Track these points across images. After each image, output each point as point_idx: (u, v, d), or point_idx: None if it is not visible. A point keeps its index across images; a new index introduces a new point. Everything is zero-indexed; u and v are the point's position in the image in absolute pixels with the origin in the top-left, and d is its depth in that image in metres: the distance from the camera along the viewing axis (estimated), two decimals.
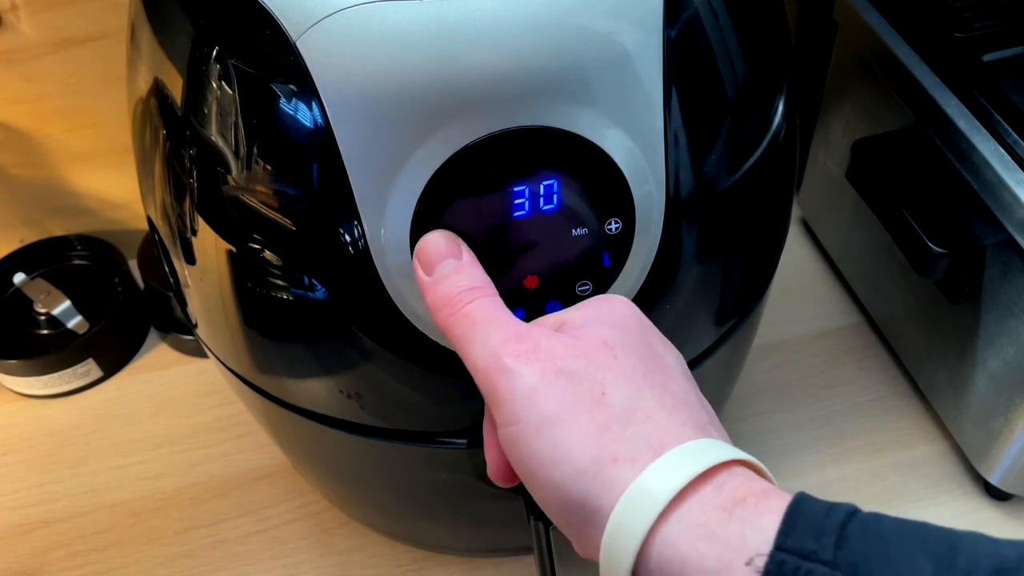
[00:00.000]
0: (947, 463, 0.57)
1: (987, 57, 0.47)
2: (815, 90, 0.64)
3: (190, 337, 0.65)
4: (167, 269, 0.40)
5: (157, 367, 0.65)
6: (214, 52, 0.31)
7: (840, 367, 0.62)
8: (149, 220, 0.40)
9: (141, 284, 0.67)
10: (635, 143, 0.31)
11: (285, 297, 0.34)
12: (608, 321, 0.29)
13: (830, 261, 0.68)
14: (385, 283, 0.32)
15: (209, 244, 0.35)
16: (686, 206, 0.34)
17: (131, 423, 0.62)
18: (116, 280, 0.65)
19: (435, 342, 0.34)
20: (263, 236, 0.33)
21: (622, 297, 0.31)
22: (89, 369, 0.63)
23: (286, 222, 0.32)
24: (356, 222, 0.31)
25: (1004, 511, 0.55)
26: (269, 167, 0.32)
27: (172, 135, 0.34)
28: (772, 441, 0.58)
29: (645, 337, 0.30)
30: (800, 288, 0.67)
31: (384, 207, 0.31)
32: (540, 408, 0.27)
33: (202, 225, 0.34)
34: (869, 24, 0.53)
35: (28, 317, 0.64)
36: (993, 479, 0.53)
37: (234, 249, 0.34)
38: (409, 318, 0.33)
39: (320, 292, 0.34)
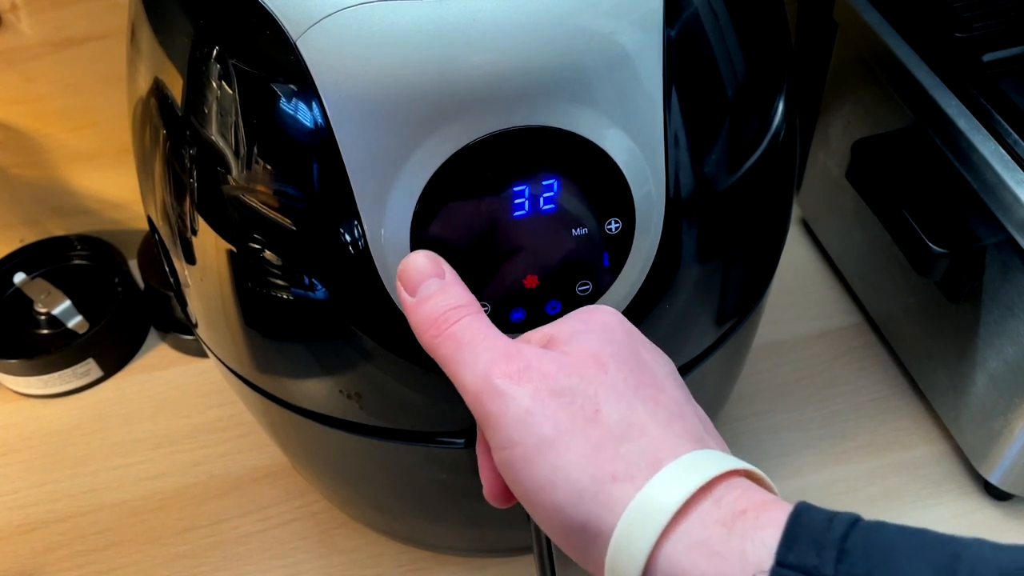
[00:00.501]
0: (947, 463, 0.57)
1: (987, 57, 0.47)
2: (815, 90, 0.64)
3: (190, 337, 0.65)
4: (167, 269, 0.40)
5: (157, 367, 0.65)
6: (214, 52, 0.31)
7: (840, 367, 0.62)
8: (149, 220, 0.40)
9: (141, 284, 0.67)
10: (635, 143, 0.31)
11: (285, 297, 0.34)
12: (596, 333, 0.29)
13: (830, 261, 0.68)
14: (385, 283, 0.32)
15: (209, 244, 0.35)
16: (686, 206, 0.34)
17: (131, 423, 0.62)
18: (116, 280, 0.65)
19: None
20: (263, 236, 0.33)
21: (608, 307, 0.31)
22: (89, 369, 0.63)
23: (286, 222, 0.32)
24: (356, 222, 0.31)
25: (1004, 511, 0.55)
26: (269, 167, 0.32)
27: (172, 135, 0.34)
28: (772, 441, 0.58)
29: (633, 347, 0.29)
30: (800, 288, 0.67)
31: (384, 207, 0.31)
32: (535, 431, 0.26)
33: (202, 225, 0.34)
34: (869, 24, 0.53)
35: (28, 317, 0.64)
36: (993, 479, 0.53)
37: (234, 249, 0.34)
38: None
39: (320, 292, 0.34)
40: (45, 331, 0.64)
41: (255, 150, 0.31)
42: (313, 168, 0.31)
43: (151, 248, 0.65)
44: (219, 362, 0.42)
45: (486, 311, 0.33)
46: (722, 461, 0.26)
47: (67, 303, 0.64)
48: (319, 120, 0.30)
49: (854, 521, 0.24)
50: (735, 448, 0.47)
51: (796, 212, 0.70)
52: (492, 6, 0.28)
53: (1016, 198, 0.44)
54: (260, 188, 0.32)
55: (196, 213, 0.34)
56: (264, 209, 0.32)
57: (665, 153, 0.32)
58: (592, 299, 0.34)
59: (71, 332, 0.64)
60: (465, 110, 0.29)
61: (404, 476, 0.44)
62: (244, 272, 0.35)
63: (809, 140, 0.66)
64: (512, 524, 0.38)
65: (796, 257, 0.69)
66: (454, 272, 0.30)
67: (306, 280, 0.33)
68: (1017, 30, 0.48)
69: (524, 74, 0.29)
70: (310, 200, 0.31)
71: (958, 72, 0.48)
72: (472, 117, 0.29)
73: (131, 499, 0.58)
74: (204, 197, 0.34)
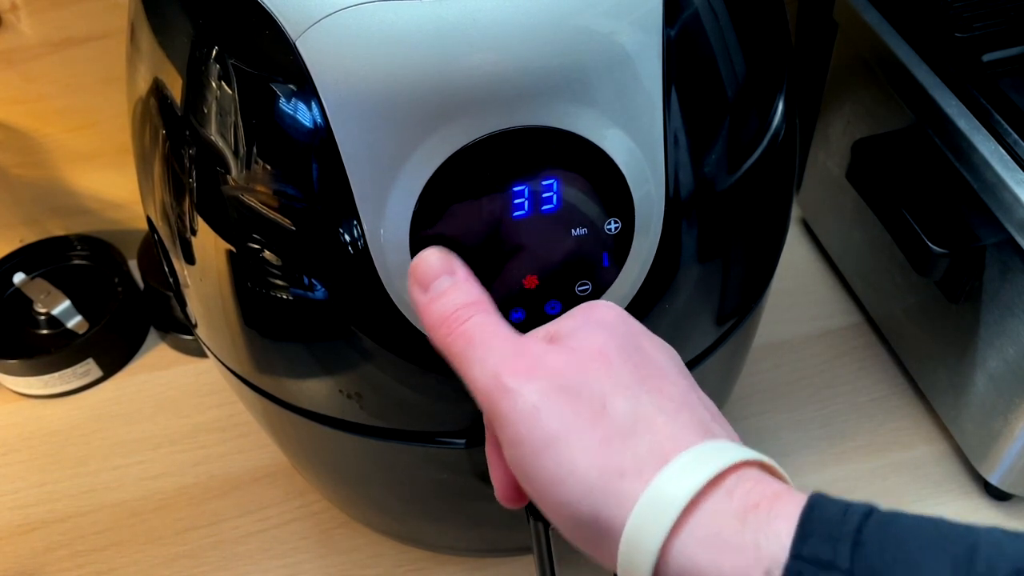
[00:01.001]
0: (947, 463, 0.57)
1: (987, 57, 0.47)
2: (815, 90, 0.64)
3: (190, 337, 0.65)
4: (167, 269, 0.40)
5: (157, 367, 0.65)
6: (214, 52, 0.31)
7: (840, 367, 0.62)
8: (149, 220, 0.40)
9: (141, 284, 0.67)
10: (635, 143, 0.31)
11: (285, 297, 0.34)
12: (597, 327, 0.29)
13: (830, 261, 0.68)
14: (385, 283, 0.32)
15: (209, 244, 0.35)
16: (686, 206, 0.34)
17: (131, 423, 0.62)
18: (116, 280, 0.65)
19: None
20: (263, 236, 0.33)
21: (607, 302, 0.31)
22: (89, 369, 0.63)
23: (286, 222, 0.32)
24: (356, 222, 0.31)
25: (1004, 511, 0.55)
26: (269, 167, 0.32)
27: (172, 135, 0.34)
28: (772, 441, 0.58)
29: (636, 340, 0.29)
30: (800, 288, 0.67)
31: (384, 207, 0.31)
32: (543, 427, 0.27)
33: (202, 225, 0.34)
34: (869, 24, 0.53)
35: (28, 317, 0.64)
36: (993, 479, 0.53)
37: (234, 249, 0.34)
38: (409, 318, 0.33)
39: (320, 292, 0.34)
40: (45, 331, 0.64)
41: (254, 150, 0.31)
42: (312, 168, 0.31)
43: (151, 248, 0.65)
44: (219, 362, 0.42)
45: None
46: (731, 451, 0.26)
47: (67, 303, 0.64)
48: (318, 120, 0.30)
49: (869, 512, 0.24)
50: None
51: (796, 212, 0.70)
52: (492, 6, 0.28)
53: (1016, 198, 0.44)
54: (260, 188, 0.32)
55: (196, 213, 0.34)
56: (264, 209, 0.32)
57: (665, 153, 0.32)
58: (592, 299, 0.33)
59: (71, 332, 0.64)
60: (465, 110, 0.29)
61: (404, 476, 0.44)
62: (244, 272, 0.35)
63: (809, 140, 0.66)
64: (512, 524, 0.38)
65: (796, 257, 0.69)
66: (466, 268, 0.30)
67: (306, 280, 0.33)
68: (1017, 30, 0.48)
69: (524, 74, 0.29)
70: (310, 200, 0.31)
71: (958, 72, 0.48)
72: (472, 117, 0.29)
73: (131, 499, 0.58)
74: (204, 197, 0.34)
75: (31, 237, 0.68)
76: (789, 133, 0.38)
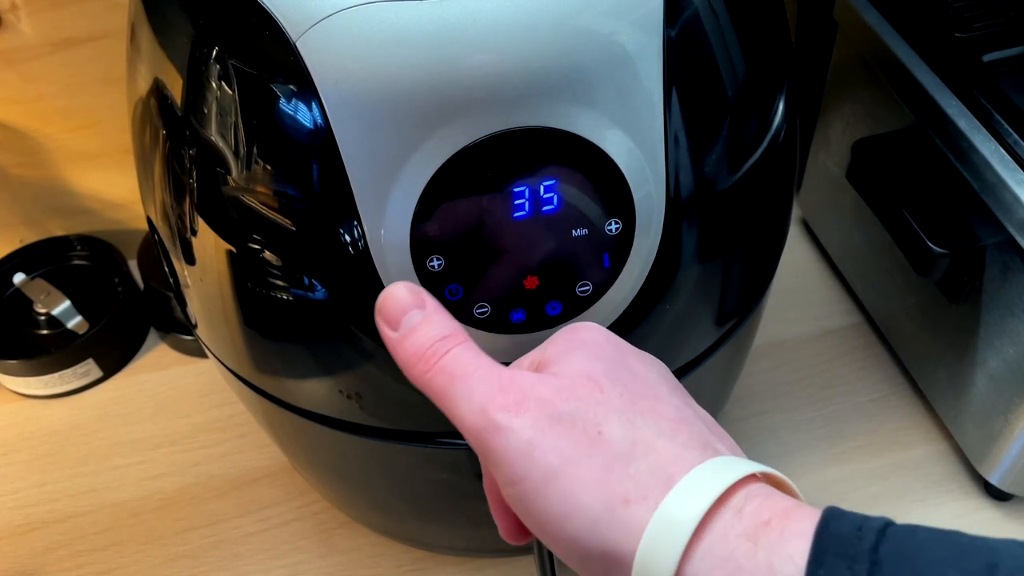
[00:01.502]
0: (947, 463, 0.57)
1: (987, 57, 0.47)
2: (815, 90, 0.64)
3: (190, 337, 0.65)
4: (167, 269, 0.40)
5: (157, 367, 0.65)
6: (214, 52, 0.31)
7: (840, 367, 0.62)
8: (149, 220, 0.40)
9: (141, 284, 0.67)
10: (635, 143, 0.31)
11: (285, 297, 0.34)
12: (583, 351, 0.28)
13: (830, 261, 0.68)
14: (385, 283, 0.32)
15: (209, 244, 0.35)
16: (686, 206, 0.34)
17: (131, 423, 0.62)
18: (116, 280, 0.65)
19: None
20: (263, 236, 0.33)
21: (590, 323, 0.30)
22: (89, 369, 0.63)
23: (286, 222, 0.32)
24: (356, 222, 0.31)
25: (1004, 511, 0.55)
26: (269, 167, 0.32)
27: (172, 135, 0.34)
28: (772, 441, 0.58)
29: (623, 360, 0.29)
30: (800, 288, 0.67)
31: (384, 207, 0.31)
32: (540, 463, 0.26)
33: (202, 225, 0.34)
34: (869, 24, 0.53)
35: (28, 317, 0.64)
36: (993, 479, 0.53)
37: (234, 249, 0.34)
38: None
39: (320, 292, 0.34)
40: (45, 331, 0.64)
41: (255, 150, 0.31)
42: (313, 168, 0.31)
43: (151, 248, 0.65)
44: (219, 362, 0.42)
45: (486, 312, 0.33)
46: (736, 467, 0.25)
47: (67, 303, 0.64)
48: (319, 120, 0.30)
49: (884, 528, 0.23)
50: None
51: (796, 212, 0.70)
52: (492, 6, 0.28)
53: (1016, 198, 0.44)
54: (260, 188, 0.32)
55: (196, 213, 0.34)
56: (264, 209, 0.32)
57: (665, 153, 0.32)
58: (592, 299, 0.34)
59: (71, 332, 0.64)
60: (465, 110, 0.29)
61: (404, 476, 0.44)
62: (244, 272, 0.35)
63: (809, 140, 0.66)
64: None
65: (796, 257, 0.69)
66: (436, 301, 0.29)
67: (306, 280, 0.33)
68: (1017, 30, 0.48)
69: (524, 74, 0.29)
70: (310, 200, 0.31)
71: (958, 72, 0.48)
72: (472, 118, 0.29)
73: (131, 499, 0.58)
74: (204, 197, 0.34)
75: (31, 237, 0.68)
76: (789, 133, 0.38)
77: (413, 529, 0.53)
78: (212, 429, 0.61)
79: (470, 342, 0.28)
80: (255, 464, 0.59)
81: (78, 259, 0.68)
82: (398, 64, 0.28)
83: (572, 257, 0.32)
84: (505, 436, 0.26)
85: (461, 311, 0.32)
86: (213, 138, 0.32)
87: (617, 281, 0.34)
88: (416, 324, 0.28)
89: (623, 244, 0.33)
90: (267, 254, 0.33)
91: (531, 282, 0.32)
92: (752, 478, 0.26)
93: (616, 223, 0.32)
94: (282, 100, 0.30)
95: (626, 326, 0.35)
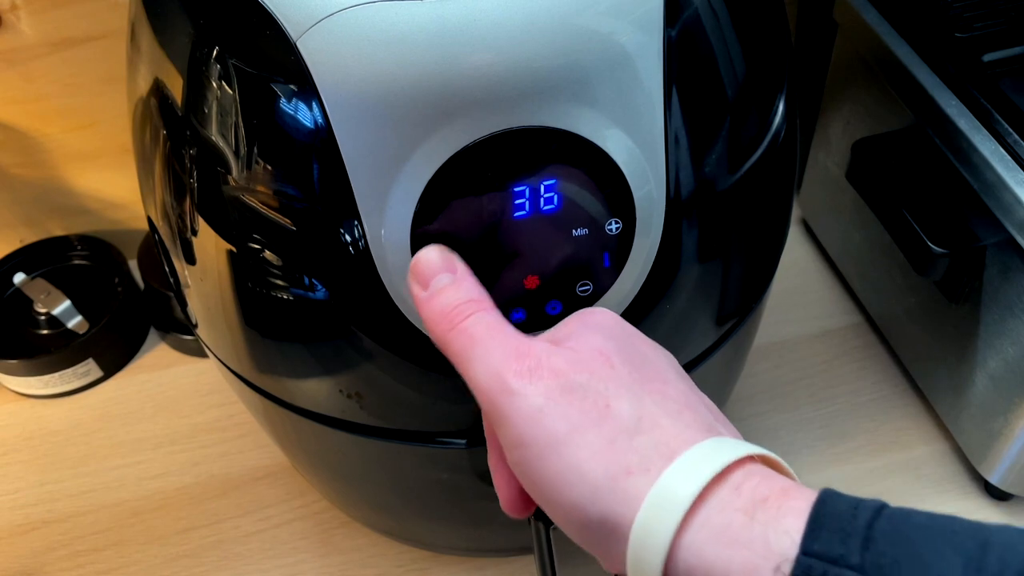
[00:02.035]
0: (947, 463, 0.57)
1: (987, 57, 0.47)
2: (815, 90, 0.64)
3: (190, 337, 0.65)
4: (167, 269, 0.40)
5: (157, 367, 0.65)
6: (214, 52, 0.31)
7: (840, 367, 0.62)
8: (149, 220, 0.40)
9: (141, 284, 0.67)
10: (635, 143, 0.31)
11: (285, 297, 0.34)
12: (596, 331, 0.29)
13: (830, 261, 0.68)
14: (385, 283, 0.32)
15: (209, 244, 0.35)
16: (686, 206, 0.34)
17: (131, 423, 0.62)
18: (116, 280, 0.65)
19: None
20: (263, 236, 0.33)
21: (603, 308, 0.31)
22: (89, 369, 0.63)
23: (286, 222, 0.32)
24: (356, 222, 0.31)
25: (1004, 511, 0.55)
26: (269, 167, 0.32)
27: (172, 135, 0.34)
28: (772, 441, 0.58)
29: (634, 343, 0.29)
30: (800, 288, 0.67)
31: (384, 207, 0.31)
32: (548, 429, 0.26)
33: (202, 225, 0.34)
34: (869, 24, 0.53)
35: (28, 317, 0.64)
36: (993, 479, 0.53)
37: (234, 249, 0.34)
38: (409, 318, 0.33)
39: (320, 292, 0.34)
40: (45, 331, 0.64)
41: (255, 150, 0.31)
42: (313, 168, 0.31)
43: (151, 248, 0.65)
44: (219, 362, 0.42)
45: None
46: (737, 447, 0.26)
47: (67, 303, 0.64)
48: (319, 120, 0.30)
49: (880, 508, 0.24)
50: None
51: (796, 212, 0.70)
52: (492, 6, 0.28)
53: (1016, 198, 0.44)
54: (260, 188, 0.32)
55: (196, 213, 0.34)
56: (264, 209, 0.32)
57: (665, 153, 0.32)
58: (592, 299, 0.34)
59: (71, 332, 0.64)
60: (465, 110, 0.29)
61: (404, 476, 0.44)
62: (244, 272, 0.35)
63: (809, 140, 0.66)
64: (513, 524, 0.38)
65: (796, 257, 0.69)
66: (466, 266, 0.30)
67: (306, 280, 0.33)
68: (1017, 30, 0.48)
69: (524, 74, 0.29)
70: (310, 200, 0.31)
71: (958, 72, 0.48)
72: (472, 117, 0.29)
73: (131, 499, 0.58)
74: (204, 197, 0.34)
75: (31, 237, 0.68)
76: (789, 133, 0.38)
77: (413, 529, 0.53)
78: (212, 429, 0.61)
79: (494, 309, 0.29)
80: (255, 464, 0.59)
81: (78, 259, 0.68)
82: (398, 64, 0.28)
83: (572, 257, 0.32)
84: (517, 400, 0.27)
85: None
86: (213, 138, 0.32)
87: (617, 281, 0.34)
88: (445, 286, 0.29)
89: (623, 244, 0.33)
90: (267, 254, 0.33)
91: (531, 281, 0.32)
92: (751, 459, 0.26)
93: (616, 223, 0.32)
94: (282, 100, 0.30)
95: None
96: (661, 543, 0.24)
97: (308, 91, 0.29)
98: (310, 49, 0.29)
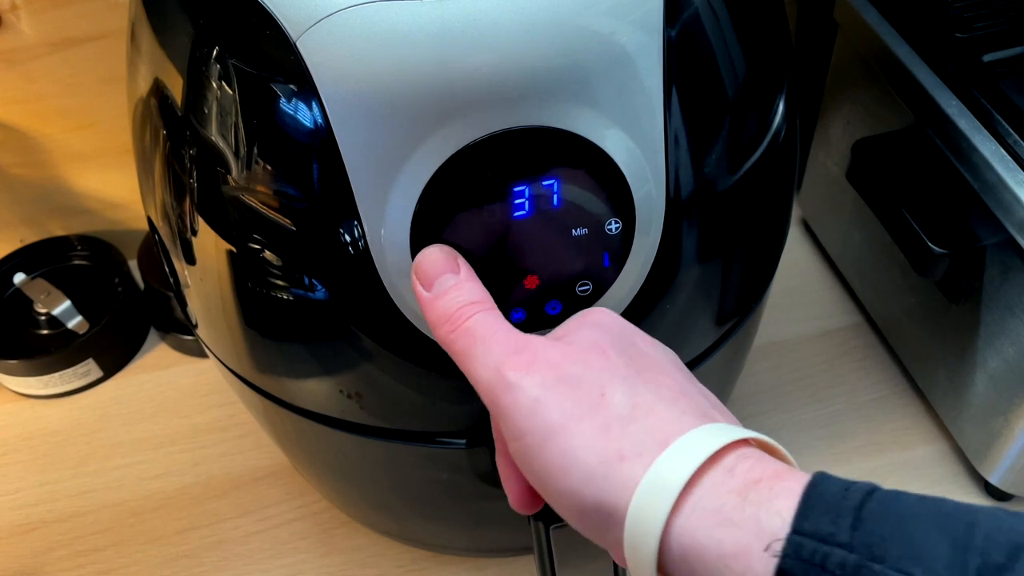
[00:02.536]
0: (947, 463, 0.57)
1: (987, 57, 0.47)
2: (815, 90, 0.64)
3: (190, 337, 0.65)
4: (167, 269, 0.40)
5: (157, 367, 0.65)
6: (214, 52, 0.31)
7: (840, 367, 0.62)
8: (149, 220, 0.40)
9: (141, 284, 0.67)
10: (635, 143, 0.31)
11: (285, 297, 0.34)
12: (593, 326, 0.30)
13: (830, 261, 0.68)
14: (385, 283, 0.32)
15: (209, 244, 0.35)
16: (686, 206, 0.34)
17: (131, 423, 0.62)
18: (116, 280, 0.65)
19: (435, 342, 0.34)
20: (263, 236, 0.33)
21: (602, 308, 0.32)
22: (89, 369, 0.63)
23: (286, 222, 0.32)
24: (356, 222, 0.31)
25: None
26: (269, 167, 0.32)
27: (172, 135, 0.34)
28: None
29: (631, 338, 0.30)
30: (800, 288, 0.67)
31: (384, 207, 0.31)
32: (544, 419, 0.27)
33: (202, 225, 0.34)
34: (869, 24, 0.53)
35: (28, 317, 0.64)
36: (993, 479, 0.53)
37: (234, 249, 0.34)
38: (409, 318, 0.33)
39: (320, 292, 0.34)
40: (45, 331, 0.64)
41: (255, 150, 0.31)
42: (313, 168, 0.31)
43: (151, 248, 0.65)
44: (219, 362, 0.42)
45: None
46: (731, 431, 0.26)
47: (67, 303, 0.64)
48: (319, 120, 0.30)
49: (871, 490, 0.24)
50: None
51: (796, 212, 0.70)
52: (492, 6, 0.28)
53: (1016, 198, 0.44)
54: (260, 188, 0.32)
55: (196, 213, 0.34)
56: (264, 209, 0.32)
57: (665, 153, 0.32)
58: (592, 299, 0.34)
59: (71, 332, 0.64)
60: (465, 110, 0.29)
61: (404, 476, 0.44)
62: (244, 272, 0.35)
63: (809, 140, 0.66)
64: (512, 524, 0.38)
65: (796, 257, 0.69)
66: (469, 267, 0.31)
67: (306, 280, 0.33)
68: (1017, 30, 0.48)
69: (524, 74, 0.29)
70: (310, 200, 0.31)
71: (958, 72, 0.48)
72: (472, 117, 0.29)
73: (131, 499, 0.58)
74: (204, 197, 0.34)
75: (31, 237, 0.68)
76: (789, 133, 0.38)
77: (413, 529, 0.53)
78: (212, 429, 0.61)
79: (495, 309, 0.30)
80: (255, 464, 0.59)
81: (78, 259, 0.68)
82: (398, 64, 0.28)
83: (572, 257, 0.32)
84: (514, 393, 0.28)
85: None
86: (213, 138, 0.32)
87: (617, 281, 0.34)
88: (449, 287, 0.30)
89: (623, 244, 0.33)
90: (267, 254, 0.33)
91: (531, 281, 0.32)
92: (746, 443, 0.27)
93: (616, 223, 0.32)
94: (282, 100, 0.30)
95: None
96: (655, 527, 0.25)
97: (308, 91, 0.29)
98: (310, 49, 0.29)
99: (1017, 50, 0.47)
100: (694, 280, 0.36)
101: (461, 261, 0.31)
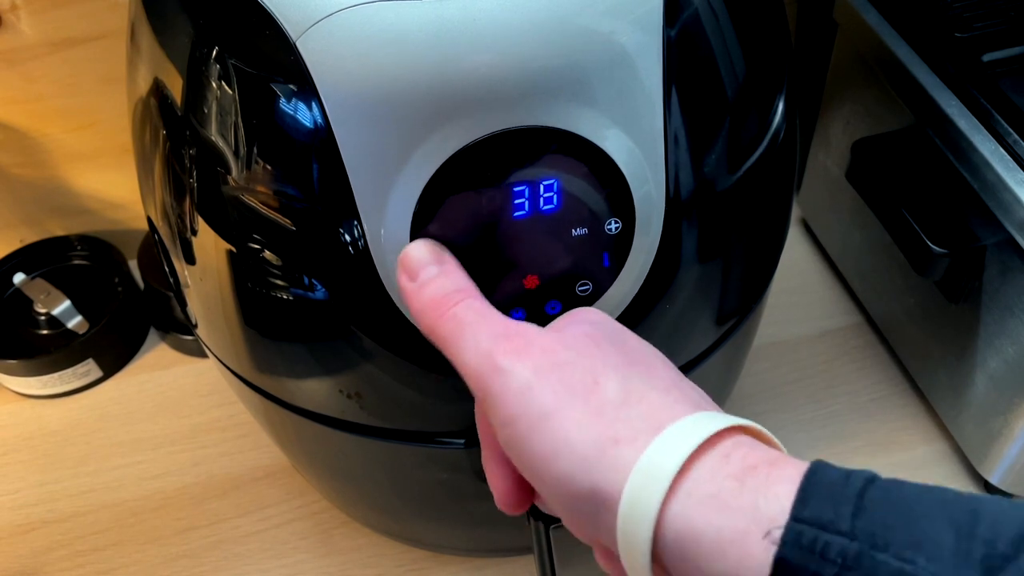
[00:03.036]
0: (947, 463, 0.57)
1: (987, 57, 0.47)
2: (815, 90, 0.64)
3: (190, 337, 0.65)
4: (167, 269, 0.40)
5: (157, 367, 0.65)
6: (214, 52, 0.31)
7: (840, 367, 0.62)
8: (149, 220, 0.40)
9: (141, 284, 0.67)
10: (635, 143, 0.31)
11: (285, 297, 0.34)
12: (584, 322, 0.30)
13: (830, 261, 0.68)
14: (385, 283, 0.32)
15: (209, 244, 0.35)
16: (686, 206, 0.34)
17: (131, 423, 0.62)
18: (116, 280, 0.65)
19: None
20: (263, 236, 0.33)
21: (594, 309, 0.32)
22: (89, 369, 0.63)
23: (286, 222, 0.32)
24: (356, 222, 0.31)
25: None
26: (269, 167, 0.32)
27: (172, 135, 0.34)
28: None
29: (621, 335, 0.30)
30: (800, 288, 0.67)
31: (384, 207, 0.31)
32: (537, 403, 0.27)
33: (202, 225, 0.34)
34: (869, 24, 0.53)
35: (28, 317, 0.64)
36: (993, 479, 0.53)
37: (234, 249, 0.34)
38: (409, 318, 0.33)
39: (320, 292, 0.34)
40: (45, 331, 0.64)
41: (255, 150, 0.31)
42: (313, 168, 0.31)
43: (151, 248, 0.65)
44: (219, 362, 0.42)
45: None
46: (725, 418, 0.26)
47: (67, 303, 0.64)
48: (319, 120, 0.30)
49: (871, 478, 0.24)
50: None
51: (796, 212, 0.70)
52: (492, 6, 0.28)
53: (1016, 198, 0.44)
54: (260, 188, 0.32)
55: (196, 213, 0.34)
56: (264, 209, 0.32)
57: (665, 153, 0.32)
58: (592, 299, 0.34)
59: (71, 332, 0.64)
60: (465, 110, 0.29)
61: (404, 476, 0.44)
62: (244, 272, 0.35)
63: (809, 140, 0.66)
64: (512, 524, 0.38)
65: (796, 257, 0.69)
66: (454, 259, 0.31)
67: (306, 280, 0.33)
68: (1017, 30, 0.48)
69: (524, 74, 0.29)
70: (310, 200, 0.31)
71: (958, 72, 0.48)
72: (472, 117, 0.29)
73: (131, 499, 0.58)
74: (204, 197, 0.34)
75: (31, 237, 0.68)
76: (789, 133, 0.38)
77: (413, 529, 0.53)
78: (212, 429, 0.61)
79: (482, 298, 0.30)
80: (255, 464, 0.59)
81: (78, 259, 0.68)
82: (398, 64, 0.28)
83: (572, 256, 0.32)
84: (506, 377, 0.27)
85: None
86: (213, 138, 0.32)
87: (617, 281, 0.34)
88: (433, 276, 0.30)
89: (623, 244, 0.33)
90: (267, 254, 0.33)
91: (531, 281, 0.32)
92: (740, 430, 0.26)
93: (616, 222, 0.32)
94: (282, 100, 0.30)
95: (626, 325, 0.35)
96: (649, 512, 0.24)
97: (308, 91, 0.29)
98: (310, 49, 0.29)
99: (1017, 50, 0.47)
100: (694, 280, 0.36)
101: (447, 253, 0.31)
